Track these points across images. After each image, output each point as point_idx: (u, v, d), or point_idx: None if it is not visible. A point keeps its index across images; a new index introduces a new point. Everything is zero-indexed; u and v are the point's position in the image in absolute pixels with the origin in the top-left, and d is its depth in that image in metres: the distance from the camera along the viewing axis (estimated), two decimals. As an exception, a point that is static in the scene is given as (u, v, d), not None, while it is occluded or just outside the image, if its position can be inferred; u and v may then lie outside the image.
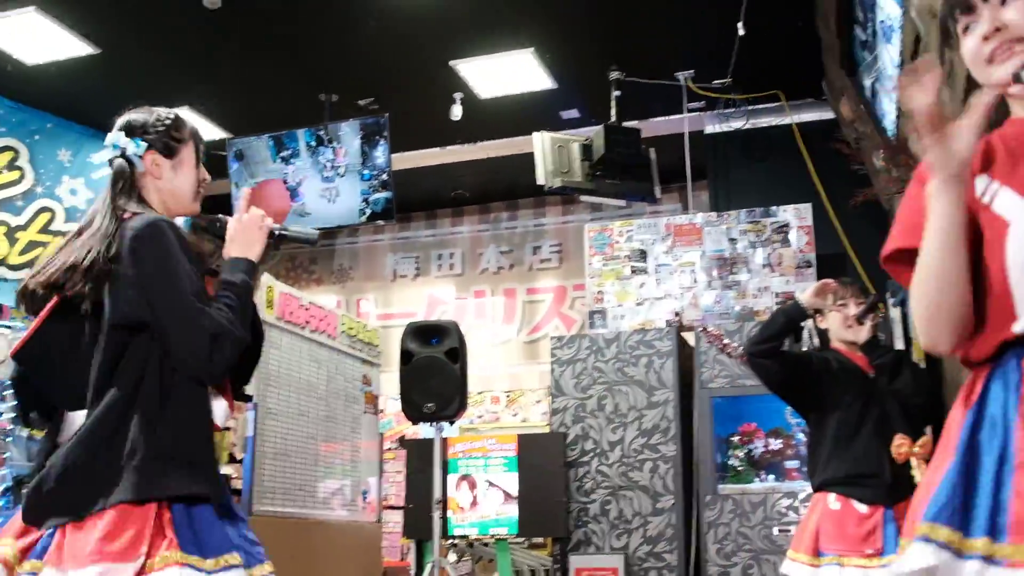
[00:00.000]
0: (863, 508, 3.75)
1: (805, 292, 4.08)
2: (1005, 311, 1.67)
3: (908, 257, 1.77)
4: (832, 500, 3.84)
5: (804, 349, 4.23)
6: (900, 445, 3.72)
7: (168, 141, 2.56)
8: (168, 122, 2.59)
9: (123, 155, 2.52)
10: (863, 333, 4.02)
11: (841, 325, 4.07)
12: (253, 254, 2.51)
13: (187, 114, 2.44)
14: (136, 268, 2.31)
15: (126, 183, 2.49)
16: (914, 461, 3.69)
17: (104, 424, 2.26)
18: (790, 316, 4.02)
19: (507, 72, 7.67)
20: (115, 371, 2.31)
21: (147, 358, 2.32)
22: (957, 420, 1.73)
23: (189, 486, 2.25)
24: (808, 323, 4.10)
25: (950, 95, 4.33)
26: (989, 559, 1.60)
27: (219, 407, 2.44)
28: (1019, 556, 1.57)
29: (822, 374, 4.04)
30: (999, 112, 1.81)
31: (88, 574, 2.12)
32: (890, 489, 3.71)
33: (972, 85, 1.77)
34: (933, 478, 1.71)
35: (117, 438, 2.24)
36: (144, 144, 2.53)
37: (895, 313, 6.56)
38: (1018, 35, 1.70)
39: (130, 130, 2.54)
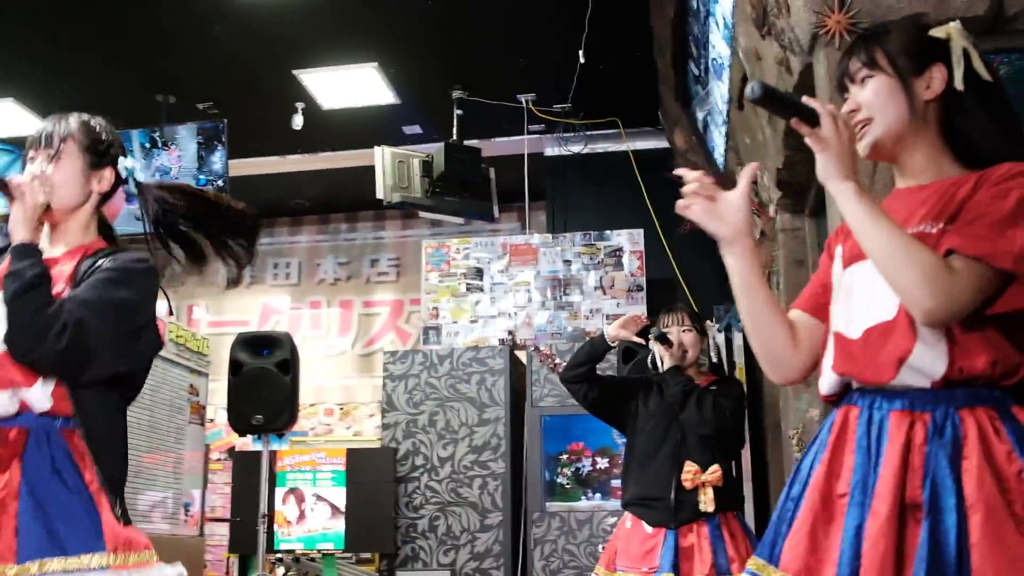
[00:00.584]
0: (649, 528, 3.91)
1: (613, 324, 4.25)
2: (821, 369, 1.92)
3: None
4: (628, 519, 4.05)
5: (647, 374, 4.27)
6: (688, 472, 3.89)
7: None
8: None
9: None
10: (680, 356, 4.10)
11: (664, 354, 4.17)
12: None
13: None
14: None
15: None
16: (701, 489, 3.86)
17: None
18: (595, 346, 4.25)
19: (351, 85, 7.64)
20: None
21: None
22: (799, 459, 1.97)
23: None
24: (657, 348, 4.14)
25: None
26: None
27: None
28: None
29: (633, 399, 4.22)
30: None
31: None
32: (674, 513, 3.86)
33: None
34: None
35: None
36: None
37: (720, 338, 6.77)
38: (867, 116, 1.90)
39: (104, 143, 2.58)
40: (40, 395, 2.27)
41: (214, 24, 6.79)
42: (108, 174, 2.52)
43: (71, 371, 2.27)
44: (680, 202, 1.92)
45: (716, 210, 1.93)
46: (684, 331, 4.14)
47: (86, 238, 2.49)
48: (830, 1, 3.46)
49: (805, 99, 1.84)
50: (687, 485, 3.87)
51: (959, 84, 1.88)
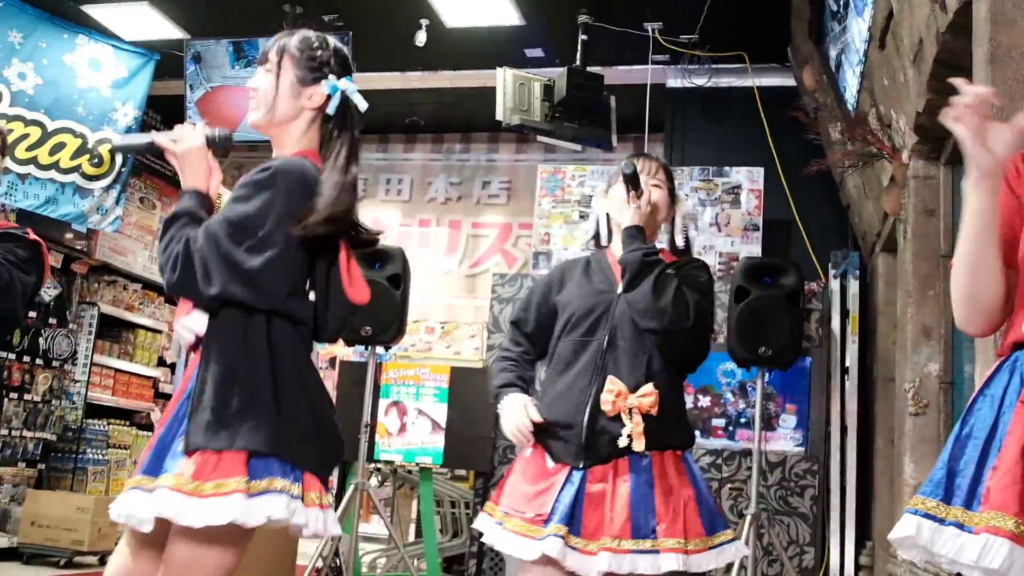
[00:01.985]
0: (550, 463, 2.86)
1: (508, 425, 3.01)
2: (1021, 313, 1.86)
3: None
4: (529, 446, 2.96)
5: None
6: (610, 392, 2.79)
7: None
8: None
9: None
10: (632, 215, 2.96)
11: (618, 209, 3.08)
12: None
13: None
14: None
15: None
16: (626, 417, 2.78)
17: None
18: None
19: (476, 3, 7.59)
20: None
21: None
22: (972, 399, 1.91)
23: None
24: (614, 198, 3.07)
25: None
26: (962, 526, 1.75)
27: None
28: (983, 521, 1.70)
29: (553, 285, 3.15)
30: None
31: None
32: (584, 447, 2.81)
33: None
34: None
35: None
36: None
37: (835, 284, 6.68)
38: None
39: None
40: (197, 322, 2.41)
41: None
42: (321, 90, 2.58)
43: (189, 297, 2.41)
44: (950, 111, 1.77)
45: (986, 135, 1.78)
46: (654, 185, 3.06)
47: (294, 151, 2.57)
48: (996, -65, 3.31)
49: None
50: (606, 410, 2.78)
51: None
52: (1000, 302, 1.89)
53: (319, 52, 2.62)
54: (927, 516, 1.80)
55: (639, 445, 2.75)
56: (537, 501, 2.77)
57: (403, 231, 10.29)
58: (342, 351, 8.68)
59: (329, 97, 2.59)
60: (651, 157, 3.18)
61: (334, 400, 7.22)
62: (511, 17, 7.67)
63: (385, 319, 6.01)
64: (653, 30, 7.64)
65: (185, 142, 2.50)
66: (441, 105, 9.63)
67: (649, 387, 2.79)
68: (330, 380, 8.69)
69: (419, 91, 9.17)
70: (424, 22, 7.83)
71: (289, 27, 7.64)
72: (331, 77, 2.61)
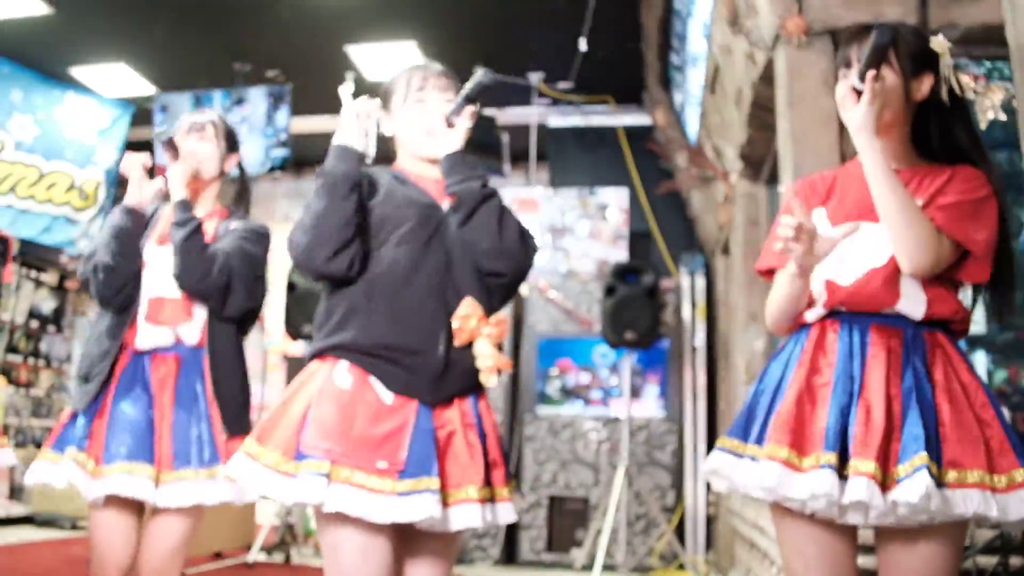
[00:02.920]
0: (387, 398, 1.85)
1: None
2: (807, 304, 1.95)
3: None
4: (340, 374, 1.87)
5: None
6: (469, 317, 1.92)
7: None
8: None
9: None
10: (448, 142, 2.02)
11: (418, 132, 2.08)
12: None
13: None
14: None
15: None
16: (482, 345, 1.93)
17: None
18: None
19: (392, 59, 7.59)
20: None
21: None
22: (764, 367, 2.00)
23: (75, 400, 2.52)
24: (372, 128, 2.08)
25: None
26: (753, 459, 1.83)
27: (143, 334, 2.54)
28: (765, 453, 1.80)
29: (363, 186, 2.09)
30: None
31: None
32: (437, 380, 1.89)
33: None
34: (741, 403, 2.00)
35: None
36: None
37: (685, 281, 6.81)
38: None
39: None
40: (191, 331, 2.51)
41: (282, 5, 6.76)
42: (234, 159, 2.76)
43: (221, 302, 2.48)
44: (781, 245, 1.84)
45: (811, 248, 1.86)
46: (448, 102, 2.09)
47: (216, 206, 2.72)
48: (790, 7, 3.46)
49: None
50: (460, 337, 1.91)
51: (945, 95, 1.92)
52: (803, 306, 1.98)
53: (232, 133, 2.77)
54: (730, 452, 1.87)
55: (492, 381, 1.92)
56: (387, 447, 1.79)
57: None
58: (291, 347, 8.60)
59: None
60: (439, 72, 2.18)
61: (284, 388, 7.18)
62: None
63: (323, 319, 6.01)
64: (536, 79, 7.73)
65: (191, 162, 2.60)
66: (367, 143, 9.59)
67: (502, 316, 1.98)
68: (281, 372, 8.62)
69: (348, 132, 9.11)
70: (350, 75, 7.82)
71: (240, 82, 7.66)
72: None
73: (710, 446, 6.40)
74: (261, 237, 2.66)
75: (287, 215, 10.51)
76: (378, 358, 1.87)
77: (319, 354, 1.91)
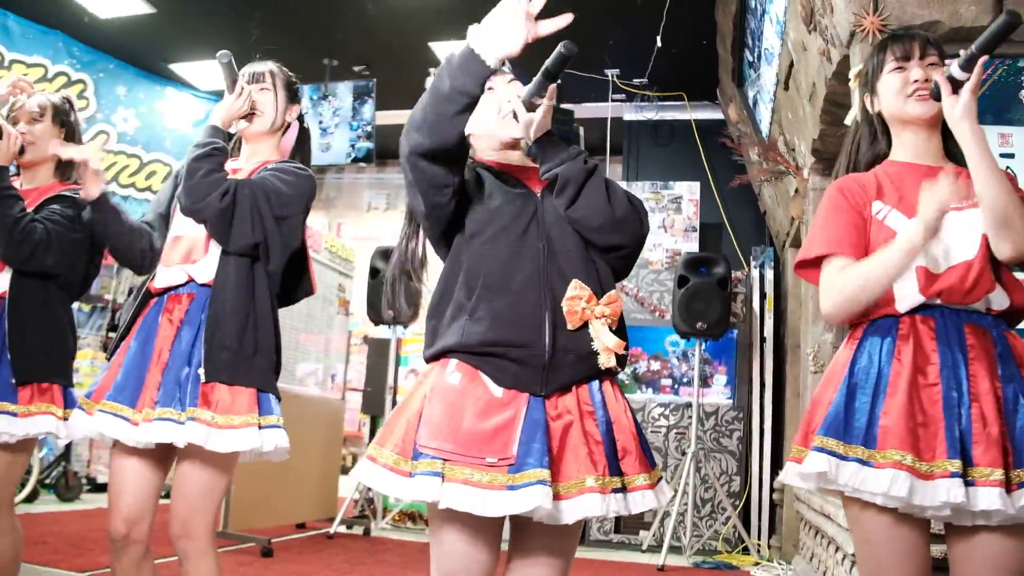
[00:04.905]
0: (497, 391, 1.74)
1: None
2: (888, 293, 1.87)
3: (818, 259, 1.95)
4: (452, 371, 1.77)
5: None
6: (578, 298, 1.76)
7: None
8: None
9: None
10: (531, 123, 1.85)
11: (493, 118, 1.98)
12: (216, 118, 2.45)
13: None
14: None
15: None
16: (595, 326, 1.76)
17: None
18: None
19: (473, 55, 7.65)
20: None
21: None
22: (843, 358, 1.91)
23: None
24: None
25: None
26: (863, 462, 1.76)
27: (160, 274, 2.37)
28: (882, 459, 1.74)
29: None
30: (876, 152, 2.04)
31: None
32: (548, 369, 1.74)
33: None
34: (827, 401, 1.86)
35: None
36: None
37: (755, 273, 6.76)
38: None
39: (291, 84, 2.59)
40: (202, 270, 2.30)
41: (367, 3, 6.87)
42: (295, 110, 2.59)
43: (223, 232, 2.23)
44: (932, 215, 1.82)
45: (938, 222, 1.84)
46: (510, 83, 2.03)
47: (273, 157, 2.51)
48: (866, 5, 3.41)
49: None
50: (571, 321, 1.75)
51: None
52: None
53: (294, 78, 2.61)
54: (831, 453, 1.78)
55: (611, 362, 1.76)
56: (497, 441, 1.67)
57: (419, 235, 10.33)
58: (371, 330, 8.76)
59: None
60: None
61: (365, 369, 7.32)
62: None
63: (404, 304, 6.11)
64: (612, 75, 7.73)
65: (241, 102, 2.45)
66: (448, 135, 9.70)
67: (613, 293, 1.81)
68: (362, 354, 8.79)
69: (430, 125, 9.22)
70: (432, 70, 7.90)
71: (328, 77, 7.81)
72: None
73: (775, 434, 6.40)
74: (295, 174, 2.37)
75: (371, 204, 10.69)
76: (485, 356, 1.75)
77: (433, 358, 1.82)
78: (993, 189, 1.79)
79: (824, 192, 2.02)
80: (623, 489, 1.73)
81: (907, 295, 1.85)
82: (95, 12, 7.25)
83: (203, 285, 2.29)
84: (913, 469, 1.69)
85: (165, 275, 2.34)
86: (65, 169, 2.85)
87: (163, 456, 2.30)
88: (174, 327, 2.27)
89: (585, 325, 1.76)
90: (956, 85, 1.85)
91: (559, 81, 1.86)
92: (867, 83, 2.04)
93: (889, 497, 1.71)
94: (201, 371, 2.18)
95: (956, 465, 1.69)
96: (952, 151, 1.97)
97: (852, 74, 2.09)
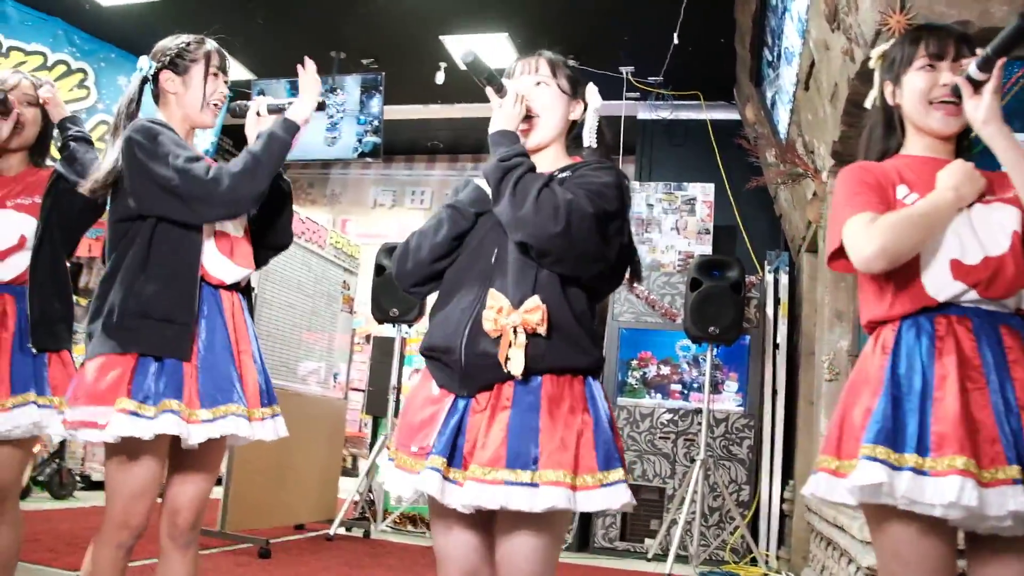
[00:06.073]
0: (434, 390, 1.98)
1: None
2: (917, 285, 1.84)
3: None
4: (419, 374, 2.10)
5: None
6: (491, 308, 1.88)
7: (179, 61, 2.47)
8: (181, 45, 2.49)
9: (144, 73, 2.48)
10: (495, 119, 2.08)
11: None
12: (301, 114, 2.47)
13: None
14: (131, 163, 2.30)
15: (139, 97, 2.48)
16: (510, 337, 1.86)
17: (97, 295, 2.32)
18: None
19: (484, 50, 7.63)
20: (114, 252, 2.33)
21: (137, 236, 2.30)
22: (877, 363, 1.84)
23: (156, 345, 2.25)
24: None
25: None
26: (918, 471, 1.69)
27: (224, 269, 2.39)
28: (941, 466, 1.68)
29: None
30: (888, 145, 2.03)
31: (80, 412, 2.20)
32: (464, 374, 1.92)
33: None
34: (865, 409, 1.80)
35: (103, 303, 2.29)
36: (157, 64, 2.47)
37: (769, 278, 6.74)
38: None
39: (152, 53, 2.51)
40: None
41: (380, -6, 6.88)
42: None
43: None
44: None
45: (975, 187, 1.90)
46: (537, 84, 2.14)
47: None
48: (893, 3, 3.39)
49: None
50: (488, 329, 1.88)
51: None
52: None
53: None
54: (884, 463, 1.70)
55: (516, 368, 1.85)
56: (422, 433, 1.92)
57: (425, 233, 10.33)
58: (375, 329, 8.75)
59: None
60: (537, 54, 2.21)
61: (369, 369, 7.30)
62: (513, 61, 7.72)
63: (409, 303, 6.12)
64: (627, 72, 7.71)
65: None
66: (456, 131, 9.68)
67: (534, 300, 1.87)
68: (366, 353, 8.79)
69: (438, 120, 9.23)
70: (443, 64, 7.91)
71: (336, 70, 7.80)
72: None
73: (787, 443, 6.38)
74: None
75: (376, 201, 10.69)
76: (430, 359, 1.99)
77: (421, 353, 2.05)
78: None
79: (839, 177, 1.99)
80: (532, 484, 1.78)
81: (941, 284, 1.82)
82: (99, 0, 7.25)
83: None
84: (972, 474, 1.64)
85: (233, 272, 2.44)
86: (37, 156, 2.88)
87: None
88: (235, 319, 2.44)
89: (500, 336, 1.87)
90: (976, 86, 1.84)
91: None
92: (892, 71, 2.01)
93: (953, 507, 1.64)
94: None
95: (1016, 471, 1.66)
96: (963, 147, 1.97)
97: (874, 53, 2.04)
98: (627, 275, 2.09)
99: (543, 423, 1.83)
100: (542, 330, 1.86)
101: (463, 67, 2.12)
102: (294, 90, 7.92)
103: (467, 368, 1.89)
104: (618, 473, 1.84)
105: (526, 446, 1.81)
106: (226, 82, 2.54)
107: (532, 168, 1.95)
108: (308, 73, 2.50)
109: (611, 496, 1.82)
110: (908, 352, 1.80)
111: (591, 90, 2.21)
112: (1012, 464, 1.66)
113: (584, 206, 1.86)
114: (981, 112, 1.82)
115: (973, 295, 1.81)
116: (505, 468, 1.79)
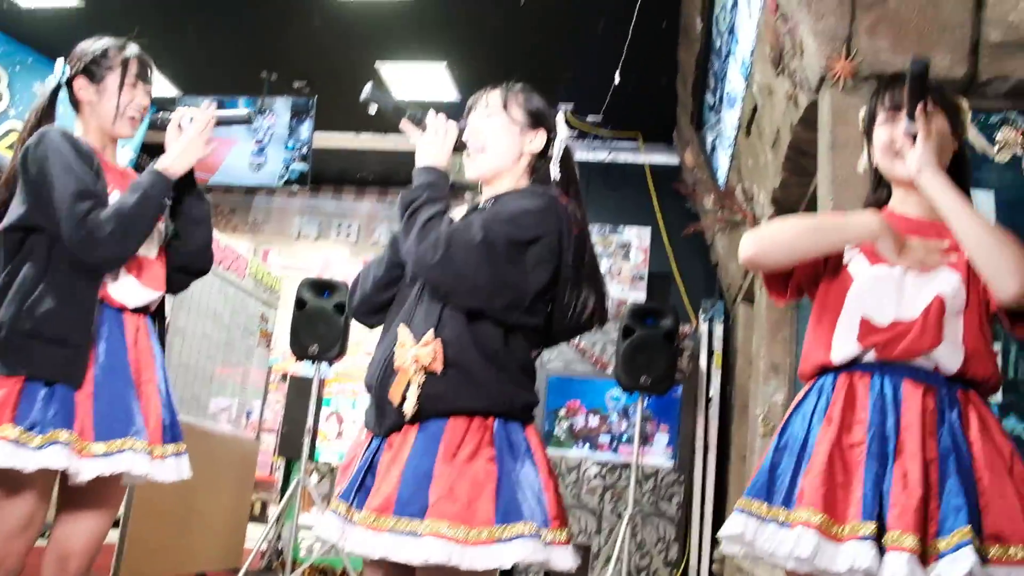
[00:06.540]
0: (362, 434, 2.01)
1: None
2: (827, 343, 1.86)
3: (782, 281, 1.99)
4: None
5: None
6: (400, 345, 1.85)
7: (94, 68, 2.36)
8: (96, 52, 2.39)
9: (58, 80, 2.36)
10: (434, 149, 2.05)
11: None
12: (175, 169, 2.32)
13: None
14: (24, 175, 2.19)
15: (50, 104, 2.37)
16: (408, 375, 1.83)
17: None
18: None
19: (422, 80, 7.57)
20: (8, 265, 2.19)
21: (34, 250, 2.17)
22: (784, 420, 1.91)
23: (46, 367, 2.11)
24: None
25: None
26: (782, 523, 1.73)
27: (129, 291, 2.27)
28: (797, 518, 1.70)
29: None
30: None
31: None
32: (376, 412, 1.92)
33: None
34: (760, 461, 1.87)
35: None
36: (72, 69, 2.36)
37: (704, 327, 6.72)
38: (939, 143, 1.88)
39: (68, 57, 2.40)
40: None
41: (314, 16, 6.74)
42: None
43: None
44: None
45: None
46: (489, 116, 2.10)
47: None
48: (839, 48, 3.37)
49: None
50: (396, 368, 1.85)
51: (972, 149, 2.04)
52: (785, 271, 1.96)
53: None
54: (752, 515, 1.78)
55: (408, 407, 1.80)
56: (345, 476, 1.92)
57: (350, 268, 10.17)
58: (292, 367, 8.52)
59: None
60: (491, 86, 2.17)
61: (283, 409, 7.09)
62: (451, 93, 7.65)
63: (330, 340, 5.90)
64: (565, 110, 7.67)
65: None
66: (387, 163, 9.54)
67: (428, 336, 1.82)
68: (281, 392, 8.52)
69: (369, 151, 9.11)
70: (370, 83, 7.79)
71: (266, 91, 7.64)
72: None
73: (718, 500, 6.31)
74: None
75: (301, 232, 10.48)
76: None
77: None
78: (973, 231, 1.76)
79: None
80: (416, 534, 1.71)
81: (844, 344, 1.84)
82: (17, 1, 7.00)
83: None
84: (821, 529, 1.66)
85: (141, 294, 2.33)
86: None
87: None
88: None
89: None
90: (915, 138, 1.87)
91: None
92: (865, 131, 2.04)
93: (796, 560, 1.67)
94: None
95: (869, 528, 1.64)
96: None
97: (860, 116, 2.07)
98: (586, 313, 1.97)
99: (437, 469, 1.75)
100: (437, 367, 1.81)
101: (371, 107, 2.10)
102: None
103: (378, 407, 1.89)
104: (518, 528, 1.72)
105: (418, 493, 1.73)
106: (148, 93, 2.41)
107: (432, 200, 1.91)
108: (196, 122, 2.36)
109: (506, 552, 1.69)
110: (804, 409, 1.86)
111: (559, 119, 2.17)
112: (867, 520, 1.65)
113: (470, 236, 1.81)
114: (912, 163, 1.84)
115: (872, 355, 1.82)
116: (392, 515, 1.73)
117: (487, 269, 1.81)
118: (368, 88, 2.04)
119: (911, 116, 1.84)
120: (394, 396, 1.83)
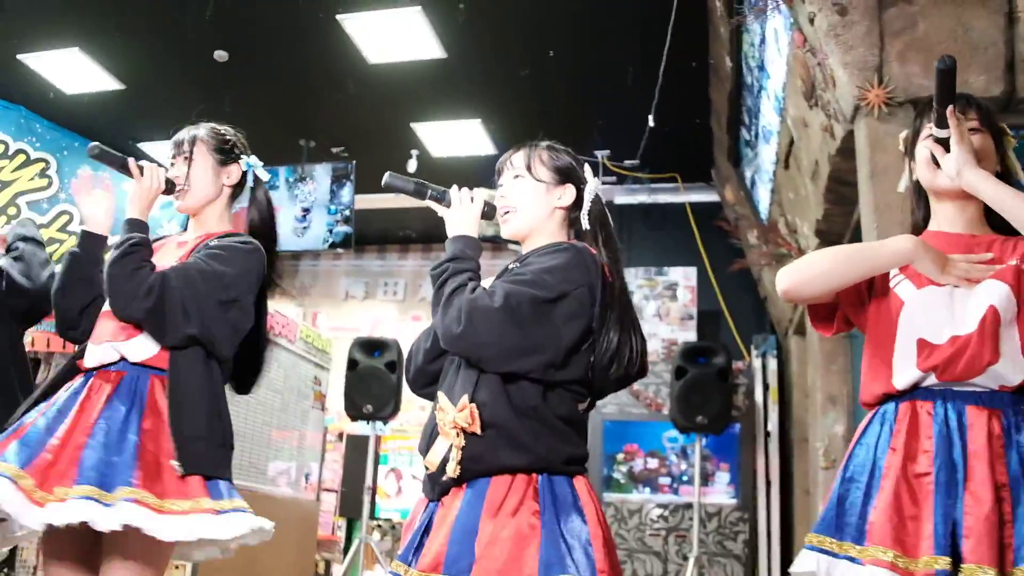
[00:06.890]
0: (420, 497, 2.04)
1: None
2: (887, 370, 1.86)
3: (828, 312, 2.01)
4: None
5: None
6: (440, 411, 1.92)
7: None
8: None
9: None
10: (467, 214, 2.16)
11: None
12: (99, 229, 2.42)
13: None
14: None
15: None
16: (444, 441, 1.89)
17: None
18: None
19: (457, 137, 7.72)
20: None
21: None
22: (849, 451, 1.91)
23: None
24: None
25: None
26: (853, 559, 1.72)
27: (89, 351, 2.30)
28: (868, 555, 1.69)
29: None
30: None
31: None
32: (427, 476, 1.96)
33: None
34: (827, 495, 1.88)
35: None
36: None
37: (757, 363, 6.71)
38: (980, 159, 1.88)
39: (239, 148, 2.66)
40: (134, 348, 2.24)
41: (348, 82, 6.92)
42: (234, 171, 2.57)
43: (156, 327, 2.19)
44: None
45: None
46: (516, 177, 2.19)
47: (220, 226, 2.47)
48: (871, 77, 3.43)
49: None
50: (441, 434, 1.90)
51: (1017, 173, 1.95)
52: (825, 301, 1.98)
53: (228, 137, 2.61)
54: (823, 551, 1.78)
55: (450, 468, 1.85)
56: (406, 540, 1.93)
57: (398, 325, 10.29)
58: (348, 426, 8.61)
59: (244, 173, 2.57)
60: (515, 148, 2.27)
61: (342, 468, 7.18)
62: (487, 148, 7.79)
63: (383, 399, 6.01)
64: (602, 156, 7.76)
65: (149, 181, 2.36)
66: (430, 220, 9.47)
67: (463, 400, 1.86)
68: (338, 452, 8.62)
69: (411, 209, 9.18)
70: (415, 152, 7.96)
71: (305, 158, 7.83)
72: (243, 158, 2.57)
73: (784, 536, 6.26)
74: (236, 250, 2.32)
75: (348, 293, 10.64)
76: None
77: None
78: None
79: None
80: None
81: (905, 369, 1.84)
82: (61, 87, 7.29)
83: (135, 364, 2.24)
84: (895, 567, 1.65)
85: (96, 352, 2.28)
86: None
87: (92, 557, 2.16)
88: (101, 401, 2.18)
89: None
90: (946, 144, 1.87)
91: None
92: (907, 149, 2.05)
93: None
94: (176, 463, 2.12)
95: (943, 563, 1.63)
96: (994, 219, 1.94)
97: (901, 137, 2.08)
98: (623, 366, 1.96)
99: (482, 525, 1.78)
100: (475, 429, 1.84)
101: (391, 185, 2.20)
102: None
103: (431, 472, 1.91)
104: None
105: (465, 550, 1.75)
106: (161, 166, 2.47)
107: (457, 272, 1.95)
108: (144, 178, 2.38)
109: None
110: (868, 440, 1.86)
111: (587, 170, 2.23)
112: (940, 554, 1.64)
113: (491, 303, 1.84)
114: (951, 166, 1.84)
115: (934, 379, 1.81)
116: (442, 574, 1.75)
117: (513, 332, 1.84)
118: (387, 176, 2.13)
119: (941, 117, 1.83)
120: (431, 462, 1.89)
